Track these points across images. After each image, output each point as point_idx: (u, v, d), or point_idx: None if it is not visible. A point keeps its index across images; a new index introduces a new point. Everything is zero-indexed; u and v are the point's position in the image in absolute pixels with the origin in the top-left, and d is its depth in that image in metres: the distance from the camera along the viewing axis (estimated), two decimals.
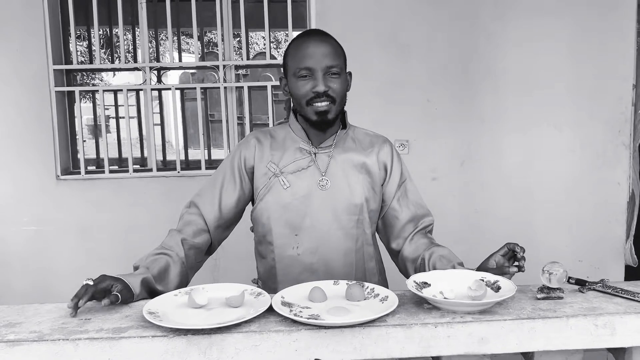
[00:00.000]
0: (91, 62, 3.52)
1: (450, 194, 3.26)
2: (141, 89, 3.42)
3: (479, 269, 1.44)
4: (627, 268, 3.36)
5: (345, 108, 1.67)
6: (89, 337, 1.13)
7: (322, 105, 1.52)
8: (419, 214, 1.66)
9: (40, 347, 1.12)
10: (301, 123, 1.62)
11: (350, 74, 1.63)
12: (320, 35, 1.56)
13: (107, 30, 4.44)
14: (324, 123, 1.55)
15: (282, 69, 1.62)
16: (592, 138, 3.26)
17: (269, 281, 1.65)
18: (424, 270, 1.51)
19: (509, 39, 3.19)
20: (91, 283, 1.29)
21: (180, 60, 4.72)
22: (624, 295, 1.32)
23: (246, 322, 1.19)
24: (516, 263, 1.39)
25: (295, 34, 1.69)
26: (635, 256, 3.32)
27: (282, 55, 1.64)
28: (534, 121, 3.24)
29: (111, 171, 3.34)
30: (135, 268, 1.44)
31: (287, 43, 1.62)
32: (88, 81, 12.10)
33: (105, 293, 1.29)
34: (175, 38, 3.69)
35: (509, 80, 3.22)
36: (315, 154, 1.61)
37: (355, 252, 1.62)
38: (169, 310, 1.24)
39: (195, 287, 1.34)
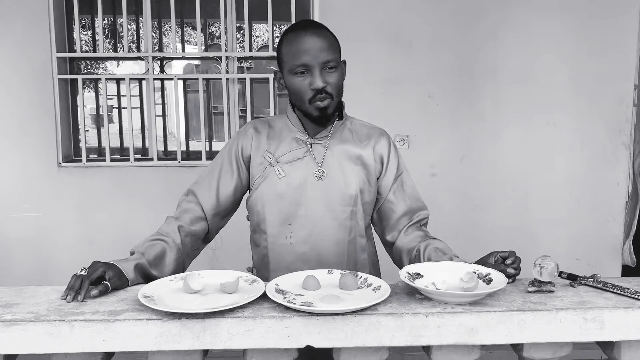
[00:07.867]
0: (95, 52, 3.53)
1: (449, 190, 3.27)
2: (144, 79, 3.44)
3: (477, 262, 1.44)
4: (625, 268, 3.37)
5: (346, 102, 1.68)
6: (84, 319, 1.15)
7: (322, 103, 1.51)
8: (414, 207, 1.66)
9: (36, 327, 1.14)
10: (298, 114, 1.62)
11: (344, 62, 1.60)
12: (315, 28, 1.51)
13: (111, 19, 4.44)
14: (324, 118, 1.55)
15: (276, 61, 1.59)
16: (592, 137, 3.27)
17: (262, 269, 1.66)
18: (419, 262, 1.51)
19: (511, 37, 3.20)
20: (84, 273, 1.30)
21: (183, 51, 4.71)
22: (614, 290, 1.33)
23: (240, 307, 1.20)
24: (514, 265, 1.40)
25: None
26: (634, 256, 3.33)
27: (276, 46, 1.60)
28: (534, 119, 3.25)
29: (112, 160, 3.36)
30: (132, 253, 1.45)
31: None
32: (92, 71, 12.09)
33: (100, 281, 1.31)
34: (179, 29, 3.70)
35: (511, 78, 3.23)
36: (311, 144, 1.61)
37: (348, 243, 1.62)
38: (164, 295, 1.26)
39: (190, 273, 1.36)
